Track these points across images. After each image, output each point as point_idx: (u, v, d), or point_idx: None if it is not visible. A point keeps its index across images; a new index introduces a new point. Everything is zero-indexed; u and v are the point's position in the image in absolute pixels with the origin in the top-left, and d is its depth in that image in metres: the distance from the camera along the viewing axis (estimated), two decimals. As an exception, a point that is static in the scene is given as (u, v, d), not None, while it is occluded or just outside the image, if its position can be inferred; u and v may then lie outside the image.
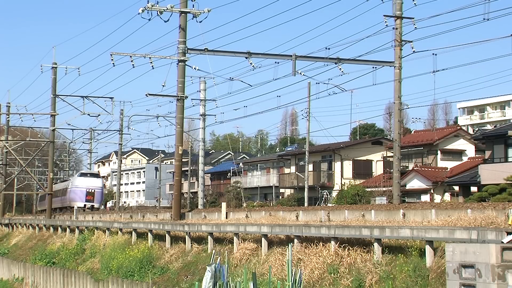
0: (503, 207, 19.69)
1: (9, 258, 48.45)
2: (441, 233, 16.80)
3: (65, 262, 38.05)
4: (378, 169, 61.16)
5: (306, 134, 59.18)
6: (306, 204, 52.20)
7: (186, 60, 32.97)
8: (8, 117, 66.79)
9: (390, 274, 17.74)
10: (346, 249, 19.84)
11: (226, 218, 32.07)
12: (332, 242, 20.17)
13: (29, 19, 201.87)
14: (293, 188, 64.05)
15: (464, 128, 74.70)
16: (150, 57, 33.70)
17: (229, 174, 76.79)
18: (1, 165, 70.61)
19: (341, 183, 59.70)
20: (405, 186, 50.25)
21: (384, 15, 32.77)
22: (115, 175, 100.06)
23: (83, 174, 69.57)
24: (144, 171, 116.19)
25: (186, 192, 66.95)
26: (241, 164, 77.04)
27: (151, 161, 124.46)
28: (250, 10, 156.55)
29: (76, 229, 42.18)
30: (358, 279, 18.39)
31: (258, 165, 74.81)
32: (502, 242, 13.94)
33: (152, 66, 33.69)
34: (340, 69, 33.65)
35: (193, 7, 32.82)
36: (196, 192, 63.76)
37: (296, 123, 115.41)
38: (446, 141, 55.83)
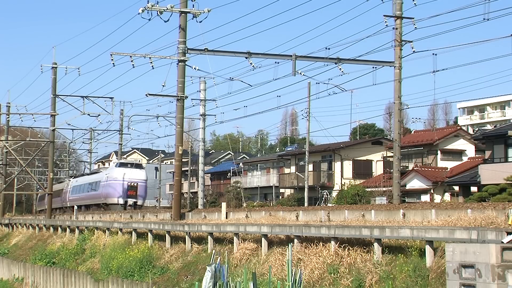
0: (503, 207, 19.69)
1: (9, 258, 48.45)
2: (441, 233, 16.80)
3: (65, 262, 38.05)
4: (378, 169, 61.16)
5: (306, 134, 59.21)
6: (306, 204, 52.20)
7: (186, 60, 32.98)
8: (8, 117, 66.84)
9: (390, 274, 17.73)
10: (346, 249, 19.84)
11: (226, 218, 32.08)
12: (332, 242, 20.17)
13: (29, 19, 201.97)
14: (293, 188, 64.06)
15: (464, 128, 74.71)
16: (150, 57, 33.73)
17: (229, 174, 76.77)
18: (1, 165, 70.63)
19: (341, 183, 59.70)
20: (405, 186, 50.25)
21: (384, 15, 32.84)
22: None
23: (123, 164, 56.02)
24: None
25: (186, 192, 66.92)
26: (241, 164, 77.04)
27: (151, 161, 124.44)
28: (250, 10, 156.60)
29: (76, 229, 42.18)
30: (358, 279, 18.39)
31: (258, 165, 74.81)
32: (502, 242, 13.94)
33: (152, 66, 33.73)
34: (340, 69, 33.67)
35: (193, 7, 32.84)
36: (196, 192, 63.74)
37: (296, 123, 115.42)
38: (446, 141, 55.84)
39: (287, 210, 30.74)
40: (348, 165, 61.83)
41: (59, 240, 43.45)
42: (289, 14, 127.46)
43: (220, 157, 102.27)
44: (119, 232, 35.37)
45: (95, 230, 38.94)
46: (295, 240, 21.61)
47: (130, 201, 52.68)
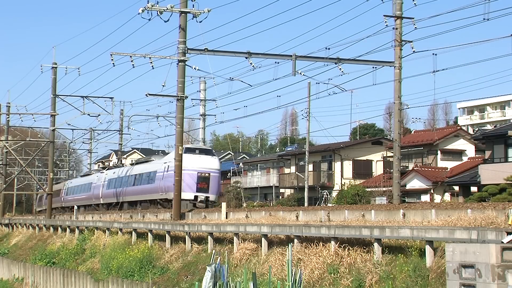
0: (503, 207, 19.70)
1: (9, 258, 48.46)
2: (441, 233, 16.80)
3: (65, 262, 38.06)
4: (378, 169, 61.16)
5: (306, 134, 59.21)
6: (306, 204, 52.20)
7: (186, 60, 32.99)
8: (8, 117, 66.86)
9: (390, 274, 17.74)
10: (346, 249, 19.84)
11: (226, 218, 32.08)
12: (332, 242, 20.17)
13: (29, 19, 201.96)
14: (293, 188, 64.05)
15: (464, 128, 74.71)
16: (150, 57, 33.74)
17: (229, 174, 76.74)
18: (1, 165, 70.66)
19: (341, 183, 59.70)
20: (405, 186, 50.26)
21: (384, 15, 32.83)
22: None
23: (189, 150, 43.16)
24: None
25: (186, 192, 66.66)
26: (241, 164, 77.01)
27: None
28: (250, 10, 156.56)
29: (76, 229, 42.19)
30: (358, 279, 18.39)
31: (258, 165, 74.80)
32: (502, 242, 13.94)
33: (152, 66, 33.74)
34: (340, 69, 33.68)
35: (193, 7, 32.85)
36: (196, 192, 63.45)
37: (296, 123, 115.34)
38: (446, 141, 55.85)
39: (287, 210, 30.75)
40: (348, 165, 61.83)
41: (59, 240, 43.46)
42: (289, 14, 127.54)
43: (220, 157, 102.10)
44: (119, 232, 35.37)
45: (95, 230, 38.94)
46: (295, 240, 21.61)
47: (201, 196, 41.63)
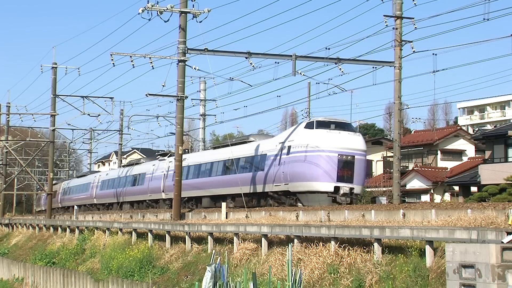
0: (503, 207, 19.68)
1: (9, 258, 48.46)
2: (441, 233, 16.79)
3: (65, 262, 38.05)
4: (378, 169, 61.15)
5: (306, 134, 58.98)
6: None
7: (186, 60, 32.98)
8: (8, 117, 66.84)
9: (390, 274, 17.73)
10: (346, 249, 19.83)
11: (226, 218, 32.06)
12: (332, 242, 20.17)
13: (29, 19, 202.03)
14: (293, 188, 63.84)
15: (464, 128, 74.74)
16: (150, 57, 33.74)
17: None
18: (1, 165, 70.66)
19: (341, 183, 59.49)
20: (405, 186, 50.27)
21: (384, 15, 32.86)
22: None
23: (324, 124, 31.94)
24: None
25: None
26: (241, 164, 76.69)
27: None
28: (250, 10, 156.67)
29: (76, 229, 42.18)
30: (358, 279, 18.38)
31: (258, 165, 74.51)
32: (502, 242, 13.94)
33: (152, 66, 33.74)
34: (340, 69, 33.67)
35: (193, 7, 32.83)
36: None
37: (296, 123, 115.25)
38: (446, 141, 55.86)
39: (287, 210, 30.71)
40: (348, 165, 61.65)
41: (59, 240, 43.45)
42: (289, 14, 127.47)
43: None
44: (119, 232, 35.37)
45: (95, 230, 38.94)
46: (295, 240, 21.60)
47: (345, 186, 30.65)
